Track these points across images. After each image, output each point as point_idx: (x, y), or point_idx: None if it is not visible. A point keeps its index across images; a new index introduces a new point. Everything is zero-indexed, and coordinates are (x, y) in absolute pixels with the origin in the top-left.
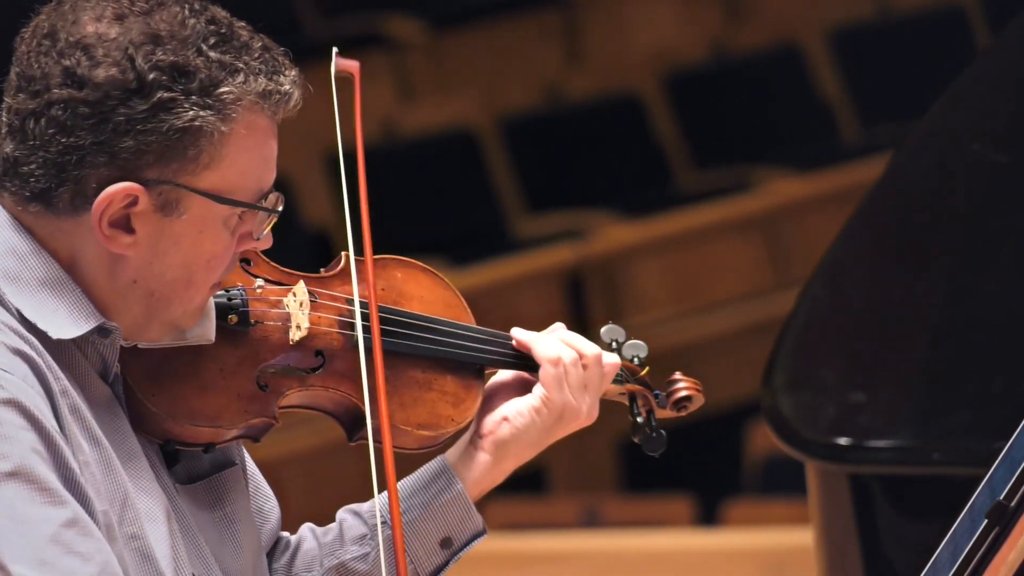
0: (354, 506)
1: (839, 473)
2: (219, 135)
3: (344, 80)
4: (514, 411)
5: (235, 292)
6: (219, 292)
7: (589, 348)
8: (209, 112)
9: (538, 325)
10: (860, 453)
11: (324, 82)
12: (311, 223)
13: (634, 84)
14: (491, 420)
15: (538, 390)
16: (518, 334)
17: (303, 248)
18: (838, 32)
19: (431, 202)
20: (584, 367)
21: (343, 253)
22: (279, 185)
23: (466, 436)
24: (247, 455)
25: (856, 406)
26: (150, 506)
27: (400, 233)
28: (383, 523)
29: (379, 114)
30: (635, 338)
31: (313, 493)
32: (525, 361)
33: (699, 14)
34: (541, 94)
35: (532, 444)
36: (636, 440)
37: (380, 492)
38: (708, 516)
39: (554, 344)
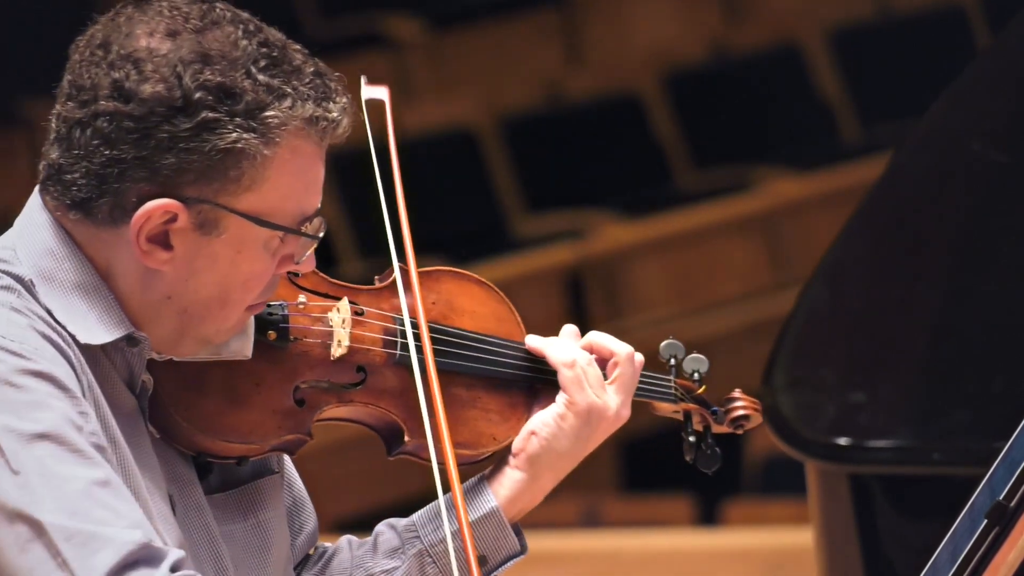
0: (393, 520)
1: (839, 473)
2: (262, 158)
3: (373, 106)
4: (540, 423)
5: (276, 307)
6: None
7: (619, 347)
8: (253, 135)
9: (538, 325)
10: (860, 453)
11: None
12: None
13: (634, 84)
14: (520, 438)
15: (561, 396)
16: (531, 341)
17: None
18: (838, 32)
19: (431, 201)
20: (615, 365)
21: (395, 266)
22: None
23: (503, 459)
24: (291, 466)
25: (856, 406)
26: (158, 516)
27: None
28: (454, 534)
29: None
30: (680, 352)
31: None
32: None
33: (699, 14)
34: (541, 94)
35: (566, 454)
36: (689, 459)
37: (442, 507)
38: (708, 516)
39: (567, 347)
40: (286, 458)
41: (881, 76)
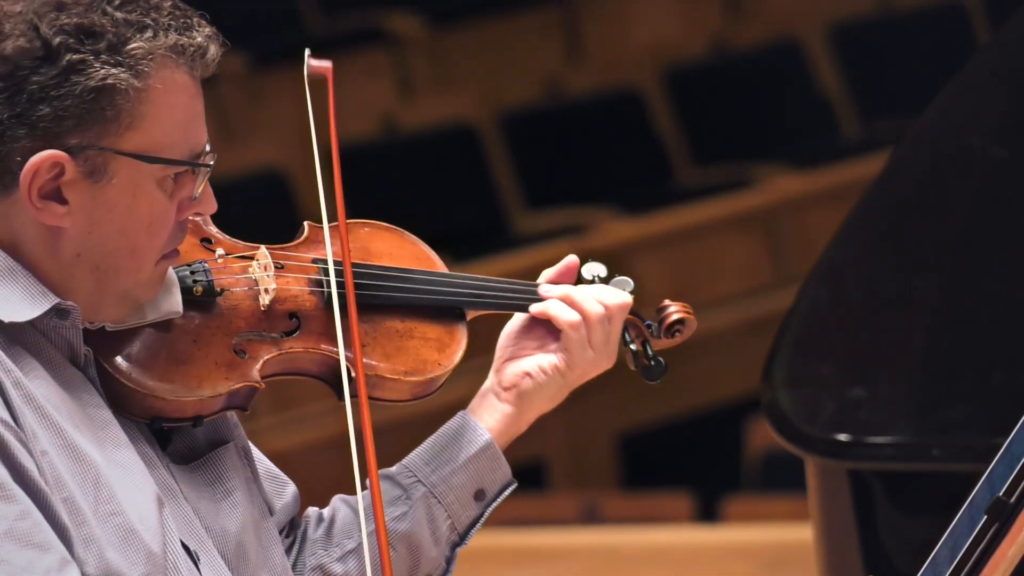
0: (385, 471)
1: (839, 469)
2: (135, 92)
3: (318, 81)
4: (536, 367)
5: (197, 265)
6: (181, 267)
7: (612, 298)
8: (121, 69)
9: None
10: (860, 449)
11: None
12: (311, 220)
13: (634, 80)
14: (513, 374)
15: (561, 351)
16: (535, 308)
17: None
18: (838, 28)
19: (431, 198)
20: (610, 318)
21: (305, 223)
22: (275, 180)
23: (486, 389)
24: (252, 445)
25: (856, 402)
26: (132, 483)
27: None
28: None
29: (379, 110)
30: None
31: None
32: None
33: (699, 10)
34: (541, 90)
35: (555, 397)
36: (634, 368)
37: (358, 437)
38: (707, 512)
39: (570, 309)
40: (244, 437)
41: (881, 73)
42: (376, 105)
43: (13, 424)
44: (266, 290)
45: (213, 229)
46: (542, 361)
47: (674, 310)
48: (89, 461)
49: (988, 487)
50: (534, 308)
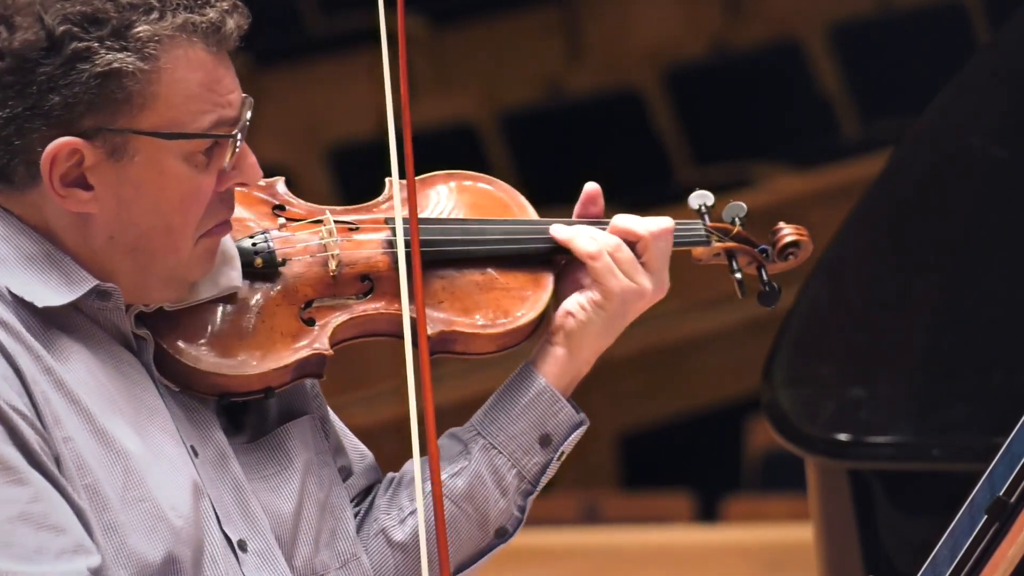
0: (451, 430)
1: (839, 469)
2: (142, 74)
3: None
4: (576, 305)
5: (259, 236)
6: (243, 239)
7: (642, 226)
8: (126, 54)
9: None
10: (860, 449)
11: (329, 77)
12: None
13: (634, 80)
14: (559, 315)
15: (595, 284)
16: (556, 232)
17: None
18: (838, 28)
19: None
20: (644, 247)
21: (387, 179)
22: (280, 174)
23: (543, 336)
24: (331, 412)
25: (856, 401)
26: (167, 471)
27: None
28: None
29: (380, 109)
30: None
31: None
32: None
33: (699, 9)
34: (541, 90)
35: (604, 332)
36: (741, 296)
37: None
38: (707, 512)
39: (591, 237)
40: (325, 406)
41: (881, 72)
42: (377, 104)
43: (28, 412)
44: (332, 256)
45: (285, 194)
46: (580, 298)
47: (788, 232)
48: (119, 447)
49: (988, 487)
50: (556, 232)
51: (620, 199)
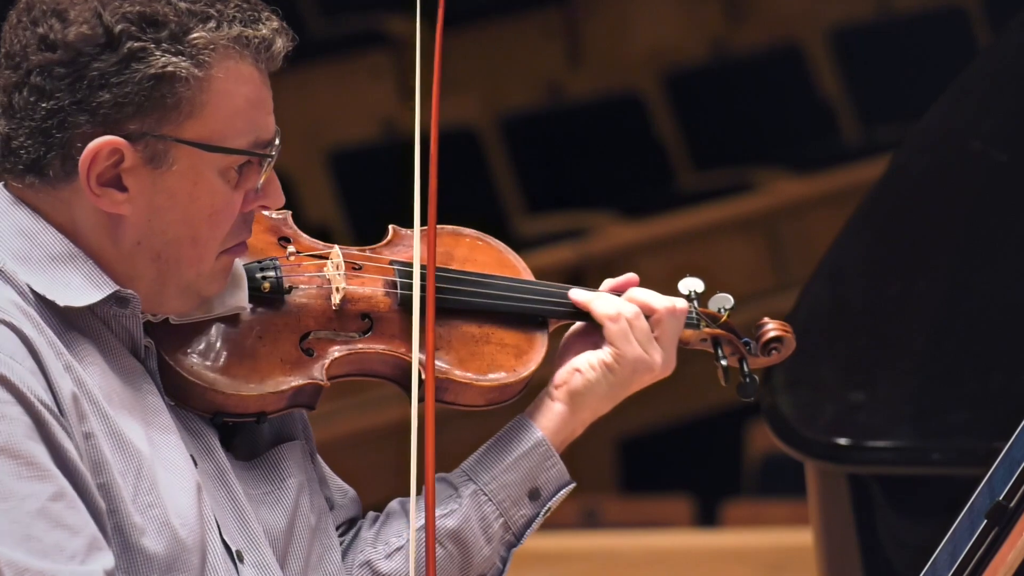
0: (439, 474)
1: (838, 473)
2: (195, 80)
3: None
4: (586, 364)
5: (268, 262)
6: (251, 263)
7: (659, 301)
8: (181, 58)
9: None
10: (859, 453)
11: (329, 80)
12: (312, 221)
13: (635, 83)
14: (564, 372)
15: (608, 347)
16: (575, 295)
17: None
18: (839, 32)
19: None
20: (658, 321)
21: (390, 226)
22: (280, 176)
23: (543, 391)
24: (315, 447)
25: (855, 405)
26: (174, 478)
27: None
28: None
29: (379, 113)
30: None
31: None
32: (586, 315)
33: (699, 13)
34: (542, 93)
35: (606, 397)
36: (725, 384)
37: (419, 444)
38: (707, 516)
39: (611, 301)
40: (312, 440)
41: (882, 76)
42: (376, 108)
43: (55, 407)
44: (337, 289)
45: (292, 228)
46: (591, 357)
47: (772, 327)
48: (133, 450)
49: (988, 491)
50: (575, 295)
51: (621, 203)
